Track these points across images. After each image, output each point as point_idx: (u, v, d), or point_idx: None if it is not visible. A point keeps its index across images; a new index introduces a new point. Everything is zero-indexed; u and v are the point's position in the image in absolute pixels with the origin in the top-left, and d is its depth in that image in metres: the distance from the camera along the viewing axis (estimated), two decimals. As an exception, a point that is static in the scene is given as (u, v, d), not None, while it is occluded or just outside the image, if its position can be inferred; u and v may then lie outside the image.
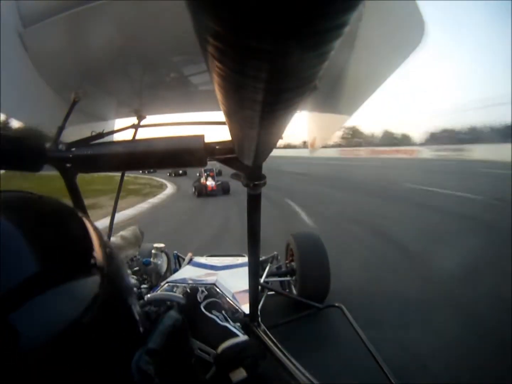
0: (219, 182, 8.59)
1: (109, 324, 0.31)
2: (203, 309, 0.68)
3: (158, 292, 1.12)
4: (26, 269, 0.25)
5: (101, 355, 0.29)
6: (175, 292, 1.09)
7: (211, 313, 0.67)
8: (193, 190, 8.77)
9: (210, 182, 8.48)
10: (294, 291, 2.13)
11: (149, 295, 0.72)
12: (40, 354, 0.24)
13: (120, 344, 0.33)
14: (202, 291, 0.78)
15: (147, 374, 0.32)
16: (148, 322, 0.40)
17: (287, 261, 2.37)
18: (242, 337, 0.59)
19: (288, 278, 2.24)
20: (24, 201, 0.33)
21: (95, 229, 0.35)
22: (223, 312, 0.74)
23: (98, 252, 0.33)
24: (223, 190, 8.43)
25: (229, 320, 0.70)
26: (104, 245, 0.35)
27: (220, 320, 0.64)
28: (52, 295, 0.26)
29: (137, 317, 0.37)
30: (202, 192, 8.32)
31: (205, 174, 8.78)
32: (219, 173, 10.81)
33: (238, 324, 0.96)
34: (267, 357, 0.85)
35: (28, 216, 0.30)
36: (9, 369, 0.22)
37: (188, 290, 0.93)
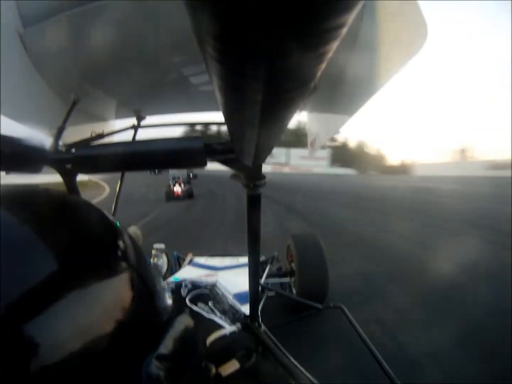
0: (185, 189, 9.82)
1: (127, 325, 0.30)
2: (188, 303, 0.67)
3: None
4: (50, 266, 0.25)
5: (109, 360, 0.29)
6: (176, 293, 1.09)
7: (197, 306, 0.66)
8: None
9: (177, 189, 9.69)
10: (294, 292, 2.14)
11: None
12: (53, 354, 0.23)
13: (128, 349, 0.32)
14: (186, 285, 0.77)
15: (157, 380, 0.32)
16: (158, 326, 0.39)
17: (287, 262, 2.37)
18: (229, 328, 0.58)
19: (287, 280, 2.24)
20: (42, 197, 0.32)
21: (116, 223, 0.35)
22: (210, 303, 0.74)
23: (125, 247, 0.32)
24: (188, 195, 9.83)
25: (215, 311, 0.69)
26: (130, 239, 0.34)
27: (206, 313, 0.64)
28: (80, 293, 0.26)
29: (147, 319, 0.37)
30: (170, 197, 9.37)
31: (174, 181, 9.93)
32: (195, 176, 12.21)
33: (238, 324, 0.96)
34: (259, 350, 0.84)
35: (48, 211, 0.30)
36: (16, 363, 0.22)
37: (173, 287, 0.92)
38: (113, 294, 0.28)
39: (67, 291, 0.25)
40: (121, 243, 0.32)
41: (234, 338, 0.53)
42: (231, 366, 0.46)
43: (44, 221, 0.28)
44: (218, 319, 0.63)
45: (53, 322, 0.24)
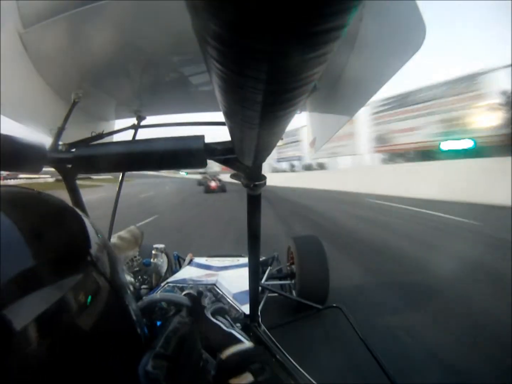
0: (219, 184, 14.99)
1: (109, 326, 0.30)
2: (208, 315, 0.68)
3: (160, 292, 1.11)
4: (21, 265, 0.25)
5: (105, 359, 0.29)
6: (175, 292, 1.09)
7: (217, 319, 0.67)
8: (203, 189, 15.45)
9: (213, 184, 14.77)
10: (294, 294, 2.12)
11: (151, 295, 0.72)
12: (37, 358, 0.23)
13: (124, 348, 0.32)
14: (210, 297, 0.78)
15: (155, 379, 0.32)
16: (155, 325, 0.39)
17: (287, 264, 2.36)
18: (248, 343, 0.58)
19: (288, 282, 2.23)
20: (22, 197, 0.33)
21: (94, 227, 0.35)
22: (229, 318, 0.74)
23: (95, 250, 0.32)
24: (222, 189, 14.85)
25: (235, 326, 0.70)
26: (102, 243, 0.34)
27: (226, 326, 0.64)
28: (45, 293, 0.25)
29: (140, 319, 0.36)
30: (208, 190, 14.60)
31: (210, 178, 15.43)
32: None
33: (239, 324, 0.96)
34: (273, 362, 0.84)
35: (24, 211, 0.30)
36: (8, 374, 0.22)
37: (195, 293, 0.93)
38: (81, 300, 0.28)
39: (40, 290, 0.25)
40: (94, 250, 0.32)
41: (250, 352, 0.53)
42: (244, 379, 0.46)
43: (19, 223, 0.28)
44: (236, 333, 0.64)
45: (46, 323, 0.24)
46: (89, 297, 0.28)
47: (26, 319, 0.23)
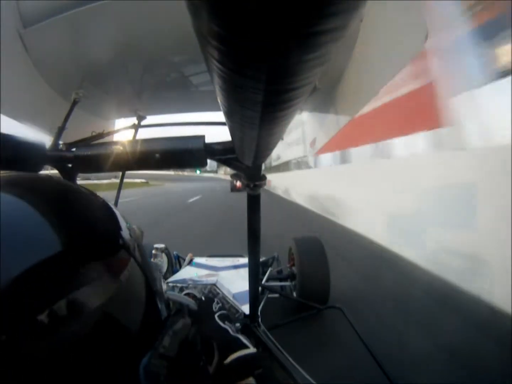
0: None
1: (126, 319, 0.30)
2: (217, 319, 0.68)
3: (167, 292, 1.11)
4: (50, 250, 0.25)
5: (110, 355, 0.28)
6: (176, 292, 1.09)
7: (225, 324, 0.68)
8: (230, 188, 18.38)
9: (238, 183, 17.51)
10: (295, 296, 2.12)
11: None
12: (47, 349, 0.23)
13: (131, 345, 0.32)
14: (218, 302, 0.79)
15: (155, 379, 0.31)
16: (157, 324, 0.39)
17: (288, 266, 2.35)
18: (253, 349, 0.59)
19: (288, 283, 2.22)
20: (50, 183, 0.32)
21: (119, 213, 0.35)
22: (235, 324, 0.75)
23: (129, 241, 0.32)
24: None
25: (239, 332, 0.71)
26: (131, 229, 0.34)
27: (232, 332, 0.65)
28: (77, 278, 0.25)
29: (153, 315, 0.36)
30: (233, 189, 17.14)
31: (236, 179, 18.43)
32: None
33: (238, 324, 0.96)
34: (276, 366, 0.84)
35: (54, 197, 0.30)
36: (15, 361, 0.22)
37: (203, 298, 0.93)
38: (114, 287, 0.28)
39: (64, 281, 0.25)
40: (125, 236, 0.32)
41: (254, 357, 0.54)
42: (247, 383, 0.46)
43: (47, 207, 0.27)
44: (243, 338, 0.65)
45: (49, 314, 0.23)
46: (118, 283, 0.28)
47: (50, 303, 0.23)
